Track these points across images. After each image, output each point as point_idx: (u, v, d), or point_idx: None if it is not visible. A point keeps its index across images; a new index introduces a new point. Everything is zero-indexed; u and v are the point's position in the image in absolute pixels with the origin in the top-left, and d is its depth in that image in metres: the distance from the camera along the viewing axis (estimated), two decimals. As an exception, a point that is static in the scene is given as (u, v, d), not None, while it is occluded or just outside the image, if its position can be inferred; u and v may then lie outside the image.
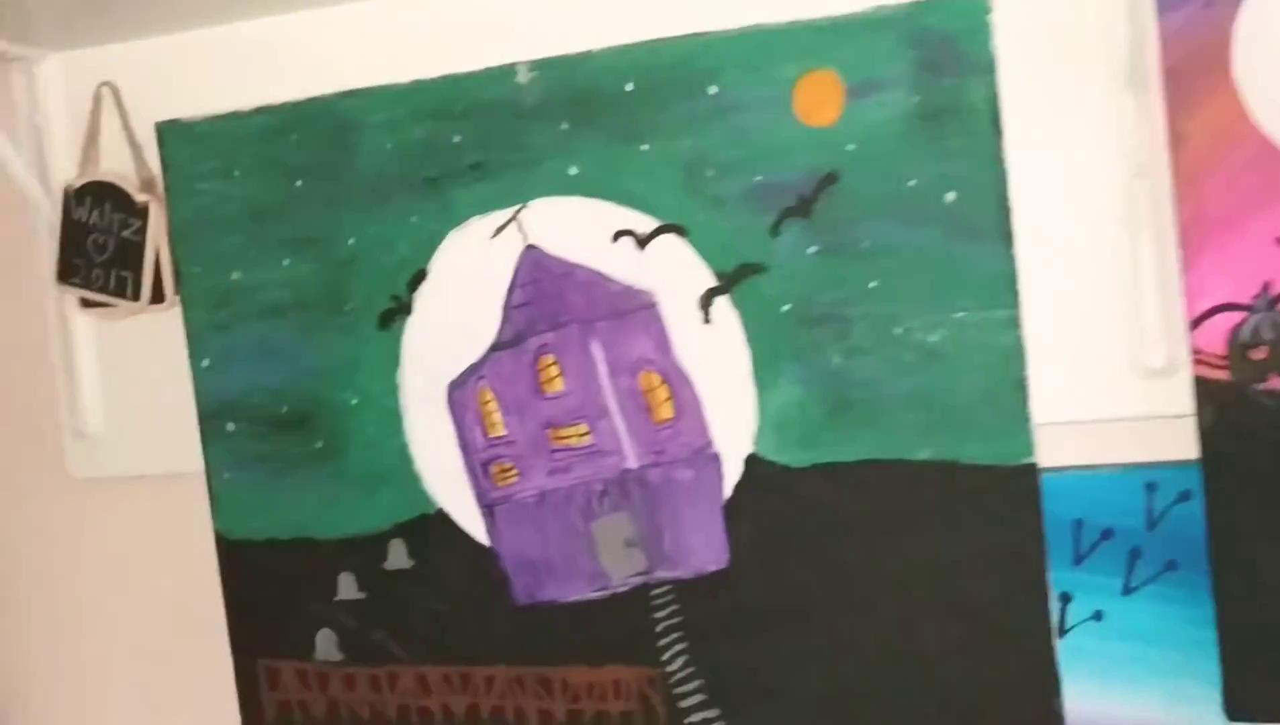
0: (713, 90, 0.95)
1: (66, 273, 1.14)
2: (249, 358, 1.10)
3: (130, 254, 1.11)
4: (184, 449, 1.15)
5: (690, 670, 1.02)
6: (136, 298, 1.12)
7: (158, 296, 1.12)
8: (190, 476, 1.16)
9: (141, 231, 1.11)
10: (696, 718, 1.03)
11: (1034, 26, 0.90)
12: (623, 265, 0.99)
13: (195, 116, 1.08)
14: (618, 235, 0.99)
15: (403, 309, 1.06)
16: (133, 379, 1.17)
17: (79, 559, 1.25)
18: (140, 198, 1.11)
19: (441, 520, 1.07)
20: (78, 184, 1.12)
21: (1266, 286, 0.86)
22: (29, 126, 1.16)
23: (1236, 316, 0.87)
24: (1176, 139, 0.87)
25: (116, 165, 1.13)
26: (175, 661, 1.22)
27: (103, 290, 1.13)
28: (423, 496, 1.07)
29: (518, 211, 1.01)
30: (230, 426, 1.11)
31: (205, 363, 1.11)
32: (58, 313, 1.18)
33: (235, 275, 1.09)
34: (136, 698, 1.24)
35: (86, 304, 1.15)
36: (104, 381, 1.18)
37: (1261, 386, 0.87)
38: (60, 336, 1.18)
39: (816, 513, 0.98)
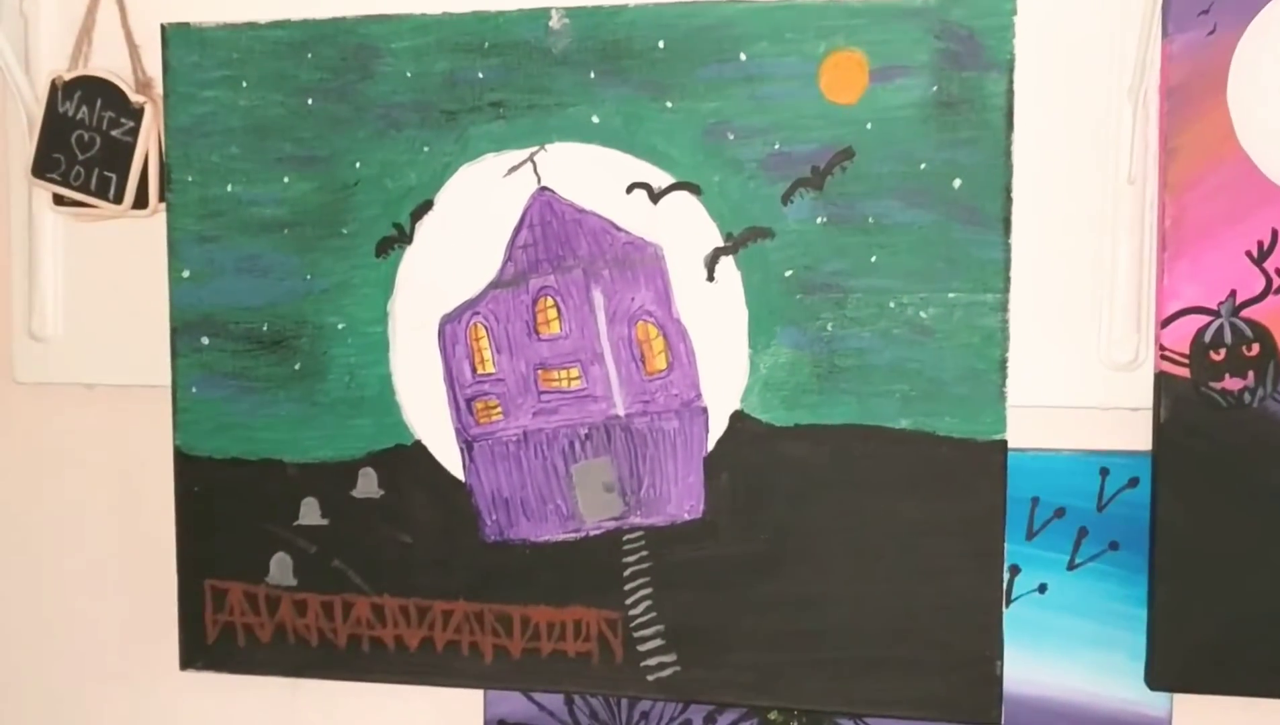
0: (742, 57, 0.99)
1: (43, 167, 1.11)
2: (234, 272, 1.09)
3: (118, 155, 1.09)
4: (147, 360, 1.13)
5: (652, 615, 1.06)
6: (119, 201, 1.10)
7: (140, 202, 1.10)
8: (149, 389, 1.14)
9: (133, 133, 1.09)
10: (653, 661, 1.06)
11: (1051, 31, 0.98)
12: (633, 217, 1.03)
13: (206, 23, 1.07)
14: (632, 187, 1.02)
15: (403, 238, 1.06)
16: (100, 284, 1.15)
17: (22, 467, 1.20)
18: (137, 98, 1.09)
19: (418, 452, 1.08)
20: (68, 77, 1.10)
21: (1233, 294, 0.95)
22: (15, 13, 1.12)
23: (1202, 320, 0.96)
24: (1167, 152, 0.95)
25: (109, 64, 1.11)
26: (117, 578, 1.19)
27: (82, 189, 1.10)
28: (400, 427, 1.08)
29: (534, 153, 1.03)
30: (204, 340, 1.10)
31: (185, 273, 1.10)
32: (25, 207, 1.14)
33: (230, 187, 1.08)
34: (75, 613, 1.21)
35: (60, 202, 1.12)
36: (68, 284, 1.15)
37: (1217, 385, 0.96)
38: (24, 232, 1.15)
39: (794, 471, 1.02)
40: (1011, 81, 0.96)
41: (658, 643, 1.06)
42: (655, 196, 1.02)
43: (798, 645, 1.04)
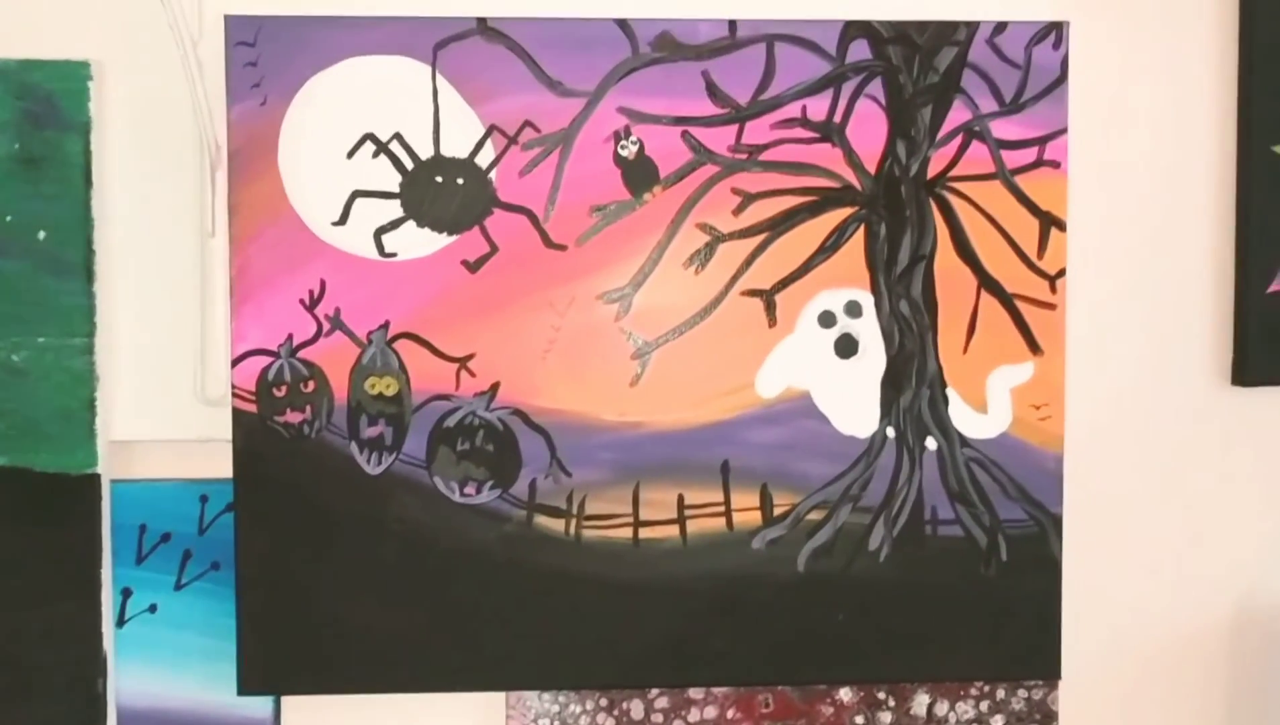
0: None
1: None
2: None
3: None
4: None
5: None
6: None
7: None
8: None
9: None
10: None
11: (136, 97, 1.07)
12: None
13: None
14: None
15: None
16: None
17: None
18: None
19: None
20: None
21: (290, 337, 1.07)
22: None
23: (266, 360, 1.07)
24: (233, 209, 1.06)
25: None
26: None
27: None
28: None
29: None
30: None
31: None
32: None
33: None
34: None
35: None
36: None
37: (280, 418, 1.08)
38: None
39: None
40: (89, 142, 1.05)
41: None
42: None
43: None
